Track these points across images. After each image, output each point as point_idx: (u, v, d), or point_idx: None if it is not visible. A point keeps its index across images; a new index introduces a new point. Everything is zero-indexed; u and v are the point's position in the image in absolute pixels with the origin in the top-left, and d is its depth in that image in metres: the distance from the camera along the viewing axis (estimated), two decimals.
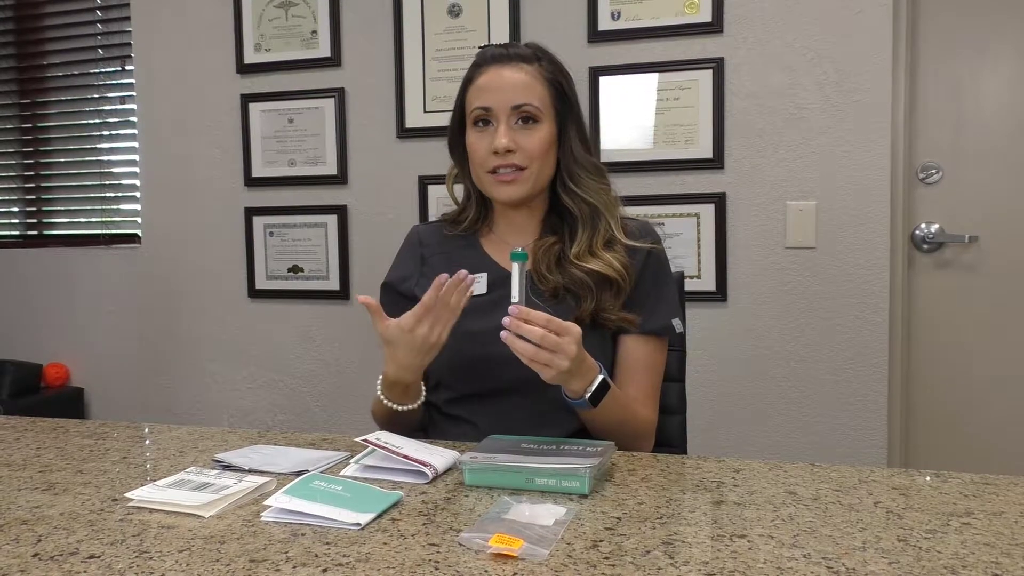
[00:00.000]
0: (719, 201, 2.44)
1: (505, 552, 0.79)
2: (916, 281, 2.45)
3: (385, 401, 1.27)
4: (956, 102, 2.41)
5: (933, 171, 2.42)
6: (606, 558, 0.79)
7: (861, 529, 0.86)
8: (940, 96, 2.41)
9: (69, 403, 3.09)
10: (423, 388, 1.29)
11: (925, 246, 2.44)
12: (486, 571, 0.76)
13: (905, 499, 0.95)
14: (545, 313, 1.09)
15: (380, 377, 1.28)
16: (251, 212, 2.90)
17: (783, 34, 2.37)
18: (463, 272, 1.16)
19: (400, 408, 1.27)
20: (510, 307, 1.09)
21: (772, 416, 2.45)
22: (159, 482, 1.01)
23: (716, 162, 2.43)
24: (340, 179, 2.80)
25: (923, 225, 2.43)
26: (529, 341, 1.08)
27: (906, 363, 2.44)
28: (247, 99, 2.87)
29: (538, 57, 1.35)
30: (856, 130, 2.33)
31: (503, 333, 1.09)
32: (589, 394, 1.17)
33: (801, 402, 2.42)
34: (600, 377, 1.17)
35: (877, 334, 2.35)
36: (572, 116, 1.36)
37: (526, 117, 1.31)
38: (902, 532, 0.85)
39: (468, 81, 1.36)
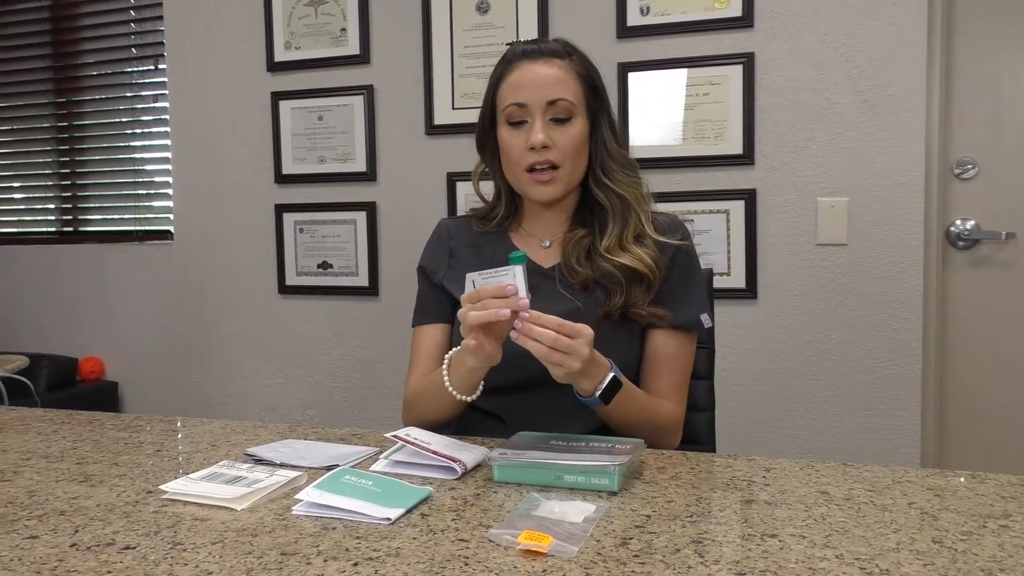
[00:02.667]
0: (749, 197, 2.42)
1: (534, 549, 0.79)
2: (951, 279, 2.41)
3: (447, 382, 1.22)
4: (993, 96, 2.36)
5: (969, 166, 2.37)
6: (635, 556, 0.79)
7: (895, 530, 0.85)
8: (976, 90, 2.37)
9: (103, 397, 3.14)
10: (481, 385, 1.24)
11: (960, 243, 2.40)
12: (515, 567, 0.76)
13: (940, 500, 0.94)
14: (556, 317, 1.09)
15: (448, 357, 1.24)
16: (281, 209, 2.93)
17: (815, 28, 2.34)
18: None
19: (459, 396, 1.22)
20: (522, 313, 1.08)
21: (802, 415, 2.42)
22: (192, 475, 1.03)
23: (746, 158, 2.41)
24: (369, 176, 2.81)
25: (958, 221, 2.39)
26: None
27: (940, 362, 2.40)
28: (277, 97, 2.89)
29: (569, 52, 1.34)
30: (889, 125, 2.30)
31: (512, 333, 1.09)
32: (599, 392, 1.16)
33: (832, 401, 2.40)
34: (610, 375, 1.16)
35: (910, 332, 2.31)
36: (604, 110, 1.36)
37: (560, 114, 1.30)
38: (937, 534, 0.84)
39: (499, 78, 1.35)
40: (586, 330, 1.10)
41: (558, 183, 1.32)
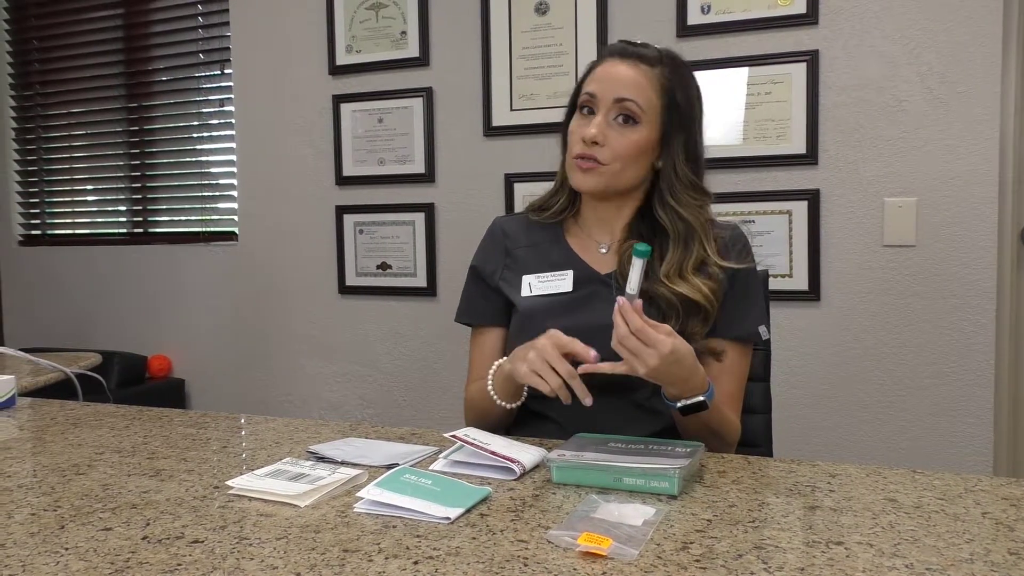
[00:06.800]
0: (812, 198, 2.37)
1: (594, 551, 0.78)
2: None
3: (492, 394, 1.29)
4: None
5: None
6: (696, 560, 0.78)
7: (968, 540, 0.82)
8: None
9: (171, 393, 3.24)
10: (525, 392, 1.29)
11: None
12: (575, 569, 0.76)
13: (1016, 510, 0.90)
14: (640, 320, 1.10)
15: (494, 368, 1.30)
16: (342, 210, 2.97)
17: (882, 24, 2.29)
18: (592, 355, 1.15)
19: (505, 405, 1.29)
20: (619, 297, 1.12)
21: (868, 420, 2.36)
22: (257, 471, 1.05)
23: (810, 158, 2.36)
24: (428, 177, 2.84)
25: None
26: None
27: (1014, 367, 2.32)
28: (339, 100, 2.94)
29: (662, 61, 1.32)
30: (961, 123, 2.23)
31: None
32: (680, 405, 1.18)
33: (899, 406, 2.33)
34: (699, 399, 1.17)
35: (983, 336, 2.24)
36: (682, 129, 1.32)
37: (626, 116, 1.29)
38: (1014, 545, 0.81)
39: (588, 70, 1.36)
40: (663, 345, 1.09)
41: (599, 176, 1.31)
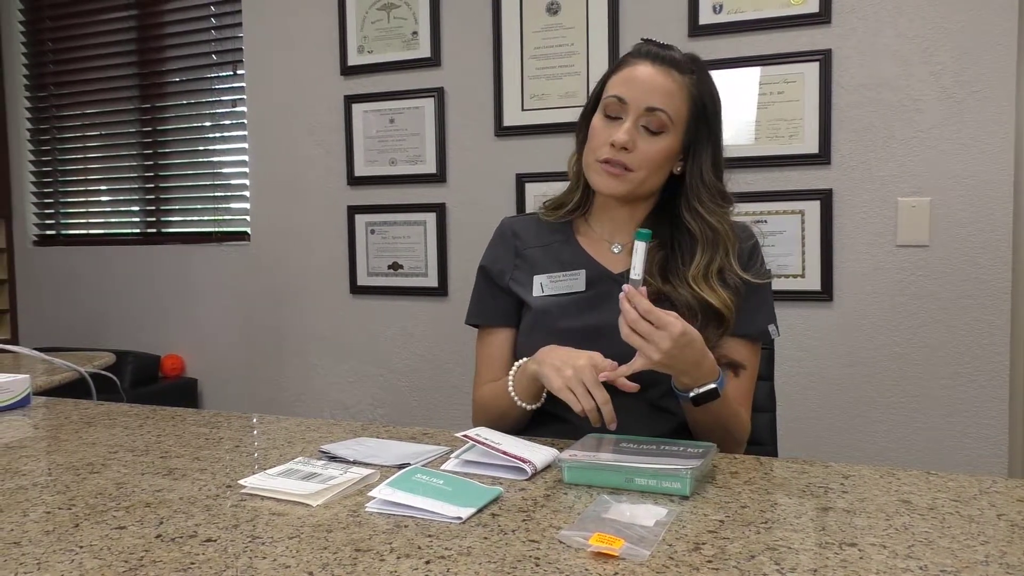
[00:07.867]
0: (825, 198, 2.36)
1: (606, 551, 0.78)
2: None
3: (513, 395, 1.28)
4: None
5: None
6: (709, 561, 0.77)
7: (983, 542, 0.82)
8: None
9: (184, 392, 3.25)
10: (544, 394, 1.29)
11: None
12: (587, 569, 0.76)
13: None
14: (648, 303, 1.11)
15: (514, 368, 1.30)
16: (353, 210, 2.98)
17: (895, 23, 2.27)
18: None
19: (526, 406, 1.28)
20: (625, 284, 1.13)
21: (881, 421, 2.35)
22: (269, 471, 1.05)
23: (822, 157, 2.35)
24: (439, 177, 2.84)
25: None
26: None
27: None
28: (350, 100, 2.95)
29: (692, 70, 1.32)
30: (976, 122, 2.21)
31: (621, 295, 1.13)
32: (693, 394, 1.18)
33: (912, 407, 2.32)
34: (711, 386, 1.18)
35: (998, 337, 2.22)
36: (708, 138, 1.33)
37: (654, 125, 1.29)
38: None
39: (615, 69, 1.35)
40: (673, 327, 1.10)
41: (625, 182, 1.30)
